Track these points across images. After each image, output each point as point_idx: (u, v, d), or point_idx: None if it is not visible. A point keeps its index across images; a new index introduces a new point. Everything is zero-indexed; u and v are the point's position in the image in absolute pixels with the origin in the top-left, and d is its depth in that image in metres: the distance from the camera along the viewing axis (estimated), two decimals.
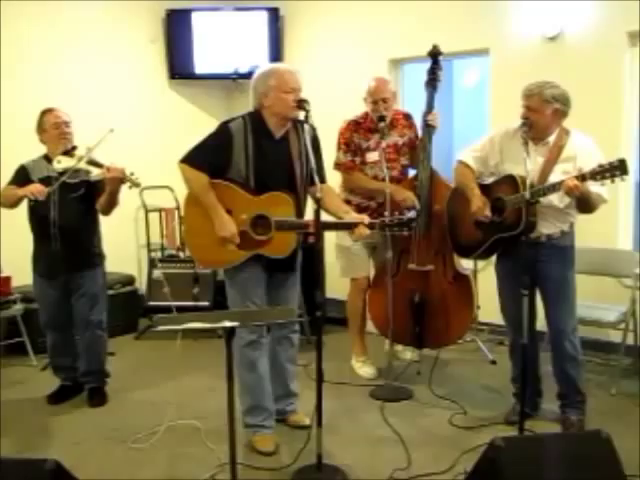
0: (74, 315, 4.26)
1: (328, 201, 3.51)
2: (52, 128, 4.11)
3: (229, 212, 3.44)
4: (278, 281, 3.61)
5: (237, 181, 3.43)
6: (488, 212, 3.66)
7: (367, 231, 3.40)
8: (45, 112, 4.17)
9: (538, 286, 3.70)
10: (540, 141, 3.55)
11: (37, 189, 3.90)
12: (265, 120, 3.46)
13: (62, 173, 3.95)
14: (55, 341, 4.33)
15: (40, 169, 4.12)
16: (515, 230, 3.50)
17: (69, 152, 4.02)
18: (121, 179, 3.94)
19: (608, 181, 3.21)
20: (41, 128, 4.16)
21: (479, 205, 3.67)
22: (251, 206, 3.42)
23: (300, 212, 3.49)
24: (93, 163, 3.99)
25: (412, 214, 3.51)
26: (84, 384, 4.38)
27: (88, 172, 4.03)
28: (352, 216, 3.51)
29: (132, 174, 3.95)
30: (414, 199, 4.30)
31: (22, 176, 4.11)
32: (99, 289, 4.31)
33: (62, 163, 3.97)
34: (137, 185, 3.99)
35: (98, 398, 4.32)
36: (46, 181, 4.04)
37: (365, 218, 3.46)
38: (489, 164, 3.76)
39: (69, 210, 4.08)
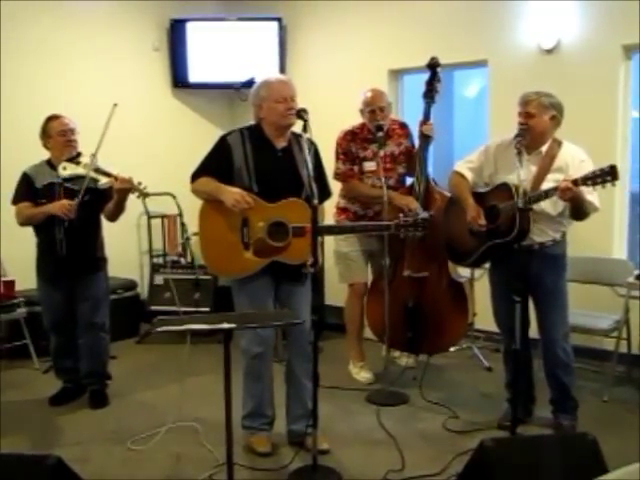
0: (77, 318, 4.33)
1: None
2: (58, 135, 4.17)
3: (245, 220, 3.46)
4: (286, 292, 3.60)
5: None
6: (482, 221, 3.72)
7: None
8: (51, 118, 4.22)
9: (531, 294, 3.76)
10: (534, 150, 3.63)
11: (67, 208, 3.98)
12: (265, 131, 3.52)
13: (67, 180, 4.03)
14: (58, 343, 4.41)
15: (43, 175, 4.18)
16: (508, 236, 3.56)
17: (74, 159, 4.06)
18: (129, 189, 3.99)
19: (599, 187, 3.29)
20: (46, 134, 4.21)
21: (473, 215, 3.74)
22: (267, 213, 3.43)
23: (316, 218, 3.26)
24: (100, 172, 4.03)
25: (425, 214, 3.58)
26: (86, 386, 4.45)
27: (96, 180, 4.06)
28: None
29: (140, 183, 3.97)
30: (417, 204, 4.38)
31: (27, 185, 4.18)
32: (102, 292, 4.39)
33: (67, 170, 4.02)
34: (145, 195, 4.00)
35: (99, 400, 4.39)
36: (49, 187, 4.13)
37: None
38: (484, 174, 3.84)
39: (75, 216, 4.13)
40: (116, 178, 3.98)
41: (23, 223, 4.19)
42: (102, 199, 4.16)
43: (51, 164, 4.20)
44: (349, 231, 3.70)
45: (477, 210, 3.75)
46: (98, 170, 4.02)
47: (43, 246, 4.28)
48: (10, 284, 5.13)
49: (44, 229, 4.20)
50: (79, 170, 4.01)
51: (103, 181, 4.03)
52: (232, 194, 3.39)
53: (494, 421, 3.93)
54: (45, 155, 4.28)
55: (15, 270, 5.22)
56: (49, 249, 4.21)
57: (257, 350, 3.57)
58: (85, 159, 4.04)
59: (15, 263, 5.21)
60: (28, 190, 4.17)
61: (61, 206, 4.01)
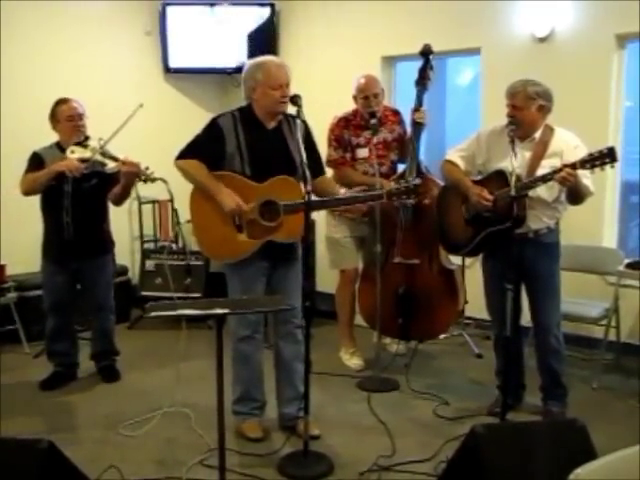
0: (88, 300, 4.45)
1: (328, 188, 3.62)
2: (66, 120, 4.18)
3: None
4: (280, 272, 3.59)
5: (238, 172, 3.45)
6: (488, 195, 3.64)
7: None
8: (59, 102, 4.22)
9: (524, 282, 3.78)
10: (526, 138, 3.63)
11: (74, 165, 3.95)
12: (256, 113, 3.49)
13: (82, 161, 4.01)
14: (56, 326, 4.41)
15: (53, 157, 4.16)
16: (505, 224, 3.53)
17: (82, 142, 4.07)
18: (136, 173, 4.00)
19: (598, 169, 3.30)
20: (54, 118, 4.22)
21: (477, 192, 3.67)
22: (257, 193, 3.41)
23: (309, 202, 3.27)
24: (107, 155, 4.05)
25: (417, 180, 3.57)
26: (95, 364, 4.62)
27: (103, 164, 4.07)
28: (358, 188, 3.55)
29: (147, 168, 4.01)
30: None
31: (37, 163, 4.16)
32: (110, 275, 4.52)
33: (76, 153, 4.03)
34: (152, 180, 4.03)
35: (112, 375, 4.57)
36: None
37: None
38: (476, 162, 3.83)
39: (82, 199, 4.18)
40: (123, 162, 4.00)
41: (27, 189, 4.11)
42: (109, 183, 4.18)
43: (60, 147, 4.21)
44: (341, 203, 3.68)
45: (479, 188, 3.69)
46: (105, 154, 4.04)
47: (50, 229, 4.30)
48: (0, 269, 5.11)
49: (51, 212, 4.23)
50: (87, 154, 4.03)
51: (110, 165, 4.05)
52: (229, 202, 3.37)
53: (484, 408, 3.95)
54: (43, 140, 4.27)
55: (6, 255, 5.19)
56: (56, 232, 4.24)
57: (244, 333, 3.58)
58: (93, 143, 4.05)
59: (6, 248, 5.18)
60: (38, 168, 4.13)
61: (69, 162, 3.97)
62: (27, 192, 4.13)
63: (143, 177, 4.01)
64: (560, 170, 3.36)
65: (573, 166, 3.34)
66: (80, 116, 4.20)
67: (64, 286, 4.34)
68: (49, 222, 4.29)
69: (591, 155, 3.31)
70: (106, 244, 4.46)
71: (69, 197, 4.16)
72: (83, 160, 4.01)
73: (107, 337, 4.58)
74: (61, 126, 4.20)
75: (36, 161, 4.18)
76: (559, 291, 3.80)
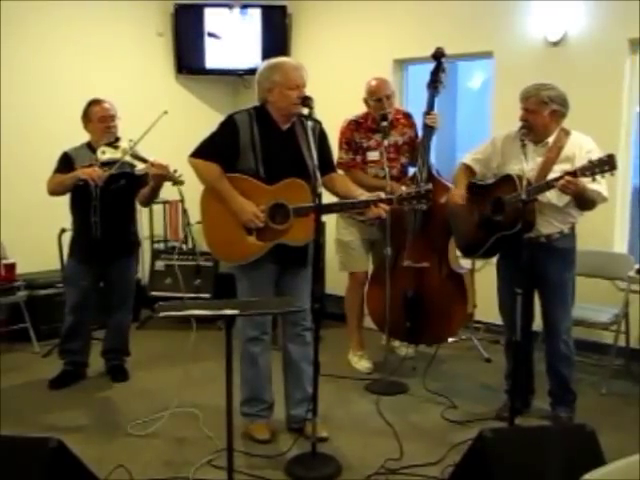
0: (109, 297, 4.50)
1: (339, 186, 3.63)
2: (98, 121, 4.22)
3: None
4: (289, 277, 3.59)
5: (249, 173, 3.44)
6: (461, 199, 3.83)
7: (385, 208, 3.43)
8: (92, 103, 4.27)
9: (537, 287, 3.77)
10: (539, 142, 3.62)
11: (97, 173, 4.00)
12: (270, 113, 3.49)
13: (109, 163, 4.05)
14: (74, 324, 4.44)
15: (83, 157, 4.20)
16: (514, 229, 3.55)
17: (112, 143, 4.11)
18: (165, 175, 4.03)
19: (599, 177, 3.29)
20: (87, 118, 4.27)
21: (455, 192, 3.87)
22: (267, 196, 3.41)
23: (321, 205, 3.27)
24: (137, 157, 4.08)
25: (428, 186, 3.57)
26: (105, 362, 4.64)
27: (132, 166, 4.13)
28: (367, 195, 3.51)
29: (175, 171, 4.04)
30: None
31: (67, 163, 4.20)
32: (133, 274, 4.60)
33: (106, 154, 4.07)
34: (180, 183, 4.07)
35: (121, 374, 4.59)
36: None
37: (381, 194, 3.47)
38: (491, 166, 3.84)
39: (110, 200, 4.21)
40: (152, 164, 4.02)
41: (53, 191, 4.17)
42: (137, 184, 4.22)
43: (91, 147, 4.25)
44: (351, 207, 3.68)
45: (461, 190, 3.86)
46: (135, 155, 4.07)
47: (78, 229, 4.35)
48: (11, 267, 5.14)
49: (80, 212, 4.28)
50: (117, 155, 4.06)
51: (140, 167, 4.09)
52: (244, 213, 3.40)
53: (492, 412, 3.95)
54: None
55: (16, 253, 5.22)
56: (84, 232, 4.28)
57: (252, 334, 3.58)
58: (124, 144, 4.09)
59: (15, 246, 5.21)
60: (68, 169, 4.17)
61: (92, 171, 4.02)
62: (52, 193, 4.19)
63: (171, 179, 4.04)
64: (562, 177, 3.36)
65: (574, 174, 3.33)
66: (112, 117, 4.25)
67: (89, 286, 4.39)
68: (77, 222, 4.35)
69: (591, 163, 3.29)
70: (133, 245, 4.53)
71: (98, 198, 4.20)
72: (110, 162, 4.04)
73: (122, 335, 4.62)
74: (93, 126, 4.24)
75: (65, 162, 4.22)
76: (572, 297, 3.78)
